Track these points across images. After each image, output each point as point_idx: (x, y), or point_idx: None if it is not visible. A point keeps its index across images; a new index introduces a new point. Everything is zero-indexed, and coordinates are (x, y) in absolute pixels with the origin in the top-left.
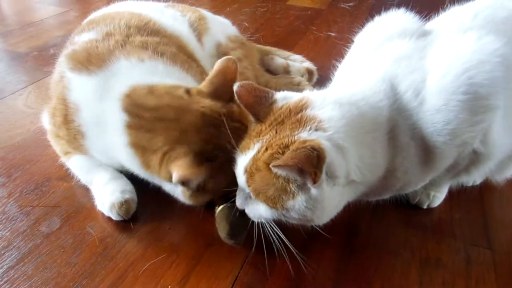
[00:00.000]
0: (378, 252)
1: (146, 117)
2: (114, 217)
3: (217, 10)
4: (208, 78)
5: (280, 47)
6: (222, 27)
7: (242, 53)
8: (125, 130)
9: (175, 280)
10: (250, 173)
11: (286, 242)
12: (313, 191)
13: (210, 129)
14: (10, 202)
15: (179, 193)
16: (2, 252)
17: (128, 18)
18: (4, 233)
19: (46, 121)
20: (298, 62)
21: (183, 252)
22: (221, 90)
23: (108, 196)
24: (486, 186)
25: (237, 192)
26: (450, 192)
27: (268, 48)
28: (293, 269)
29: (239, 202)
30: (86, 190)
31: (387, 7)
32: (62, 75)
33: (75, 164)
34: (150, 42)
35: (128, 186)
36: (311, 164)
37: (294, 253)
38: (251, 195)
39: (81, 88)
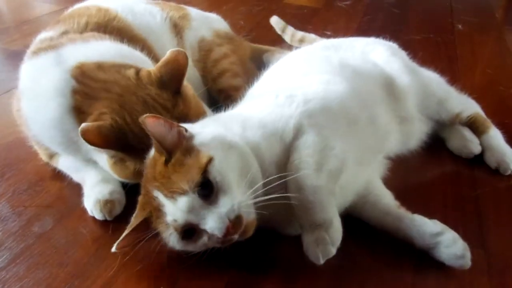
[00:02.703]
0: (371, 252)
1: (93, 86)
2: (97, 215)
3: (213, 9)
4: (157, 65)
5: (276, 46)
6: (207, 22)
7: (230, 48)
8: (70, 95)
9: (167, 281)
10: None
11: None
12: None
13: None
14: (2, 202)
15: (106, 162)
16: None
17: (92, 15)
18: None
19: None
20: None
21: (174, 254)
22: (168, 80)
23: (95, 193)
24: (481, 186)
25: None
26: (445, 192)
27: (266, 47)
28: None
29: (221, 228)
30: (79, 189)
31: (383, 6)
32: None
33: (63, 164)
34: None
35: (118, 188)
36: None
37: None
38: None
39: (27, 69)
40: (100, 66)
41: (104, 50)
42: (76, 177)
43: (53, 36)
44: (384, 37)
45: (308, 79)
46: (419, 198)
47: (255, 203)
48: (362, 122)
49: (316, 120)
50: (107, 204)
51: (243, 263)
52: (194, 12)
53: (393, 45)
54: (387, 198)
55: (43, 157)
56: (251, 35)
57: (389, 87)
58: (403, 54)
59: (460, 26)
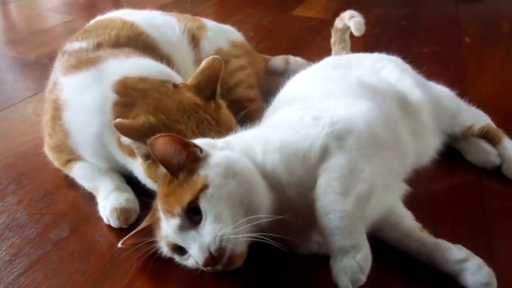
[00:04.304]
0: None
1: (133, 95)
2: (113, 222)
3: (222, 20)
4: (194, 74)
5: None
6: (223, 33)
7: (246, 60)
8: (111, 108)
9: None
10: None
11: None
12: None
13: (181, 115)
14: (20, 209)
15: (140, 167)
16: (13, 259)
17: (120, 28)
18: (14, 240)
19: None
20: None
21: None
22: (204, 86)
23: (111, 201)
24: (490, 199)
25: (187, 257)
26: (453, 205)
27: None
28: None
29: (201, 257)
30: (92, 199)
31: (391, 18)
32: (55, 82)
33: (78, 173)
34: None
35: (132, 197)
36: None
37: None
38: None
39: (70, 84)
40: (142, 80)
41: (146, 67)
42: (88, 186)
43: (88, 48)
44: (393, 50)
45: (333, 102)
46: (428, 211)
47: (253, 233)
48: (390, 144)
49: (344, 142)
50: (123, 212)
51: (255, 278)
52: (209, 23)
53: (398, 60)
54: (408, 220)
55: (57, 163)
56: (261, 46)
57: (404, 104)
58: (410, 69)
59: (467, 39)
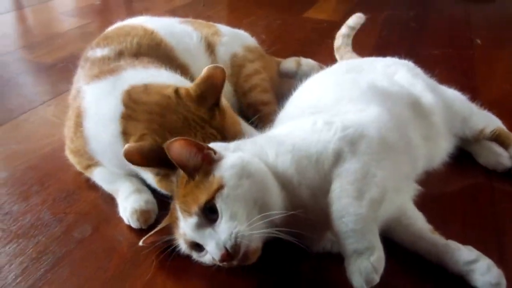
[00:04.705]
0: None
1: (137, 109)
2: (133, 223)
3: (233, 24)
4: (195, 83)
5: None
6: (237, 38)
7: (261, 65)
8: (119, 121)
9: (201, 284)
10: (186, 210)
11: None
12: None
13: (186, 131)
14: (44, 209)
15: (152, 180)
16: (39, 256)
17: (141, 36)
18: (40, 238)
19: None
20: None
21: None
22: (207, 95)
23: (131, 203)
24: (501, 201)
25: (204, 253)
26: (464, 206)
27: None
28: None
29: (217, 253)
30: (112, 200)
31: (401, 20)
32: (79, 90)
33: (98, 176)
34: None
35: (151, 198)
36: None
37: None
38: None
39: (91, 93)
40: (146, 89)
41: (161, 78)
42: (108, 188)
43: (110, 56)
44: (403, 52)
45: (344, 107)
46: (438, 212)
47: (267, 229)
48: (400, 148)
49: (357, 147)
50: (143, 214)
51: (270, 274)
52: (223, 28)
53: (410, 64)
54: (419, 222)
55: (79, 167)
56: (273, 48)
57: (416, 107)
58: (422, 73)
59: (478, 41)
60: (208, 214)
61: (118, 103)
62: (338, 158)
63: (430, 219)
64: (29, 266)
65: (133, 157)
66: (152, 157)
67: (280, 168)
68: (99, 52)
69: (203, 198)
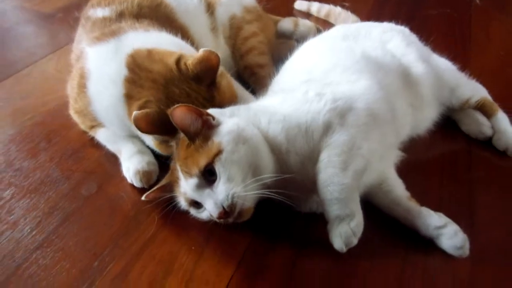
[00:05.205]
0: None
1: (141, 75)
2: (136, 183)
3: None
4: (192, 61)
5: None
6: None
7: (259, 26)
8: (123, 83)
9: (198, 242)
10: (187, 172)
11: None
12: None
13: None
14: (53, 166)
15: (151, 142)
16: (51, 211)
17: None
18: (50, 194)
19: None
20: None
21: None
22: (203, 75)
23: (135, 164)
24: (476, 169)
25: (202, 210)
26: (442, 172)
27: (279, 18)
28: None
29: (215, 211)
30: (115, 159)
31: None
32: (82, 51)
33: (102, 136)
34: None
35: (153, 159)
36: None
37: None
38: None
39: (94, 55)
40: (149, 54)
41: (162, 42)
42: (112, 148)
43: (111, 17)
44: (401, 12)
45: (336, 77)
46: (417, 176)
47: (260, 190)
48: (387, 120)
49: (345, 119)
50: (145, 174)
51: (262, 231)
52: None
53: (406, 31)
54: (398, 189)
55: (83, 127)
56: (270, 4)
57: (406, 77)
58: (416, 40)
59: (477, 1)
60: (207, 176)
61: (122, 66)
62: (327, 129)
63: (410, 183)
64: (43, 221)
65: (141, 124)
66: (157, 124)
67: (271, 134)
68: (100, 12)
69: (203, 161)
